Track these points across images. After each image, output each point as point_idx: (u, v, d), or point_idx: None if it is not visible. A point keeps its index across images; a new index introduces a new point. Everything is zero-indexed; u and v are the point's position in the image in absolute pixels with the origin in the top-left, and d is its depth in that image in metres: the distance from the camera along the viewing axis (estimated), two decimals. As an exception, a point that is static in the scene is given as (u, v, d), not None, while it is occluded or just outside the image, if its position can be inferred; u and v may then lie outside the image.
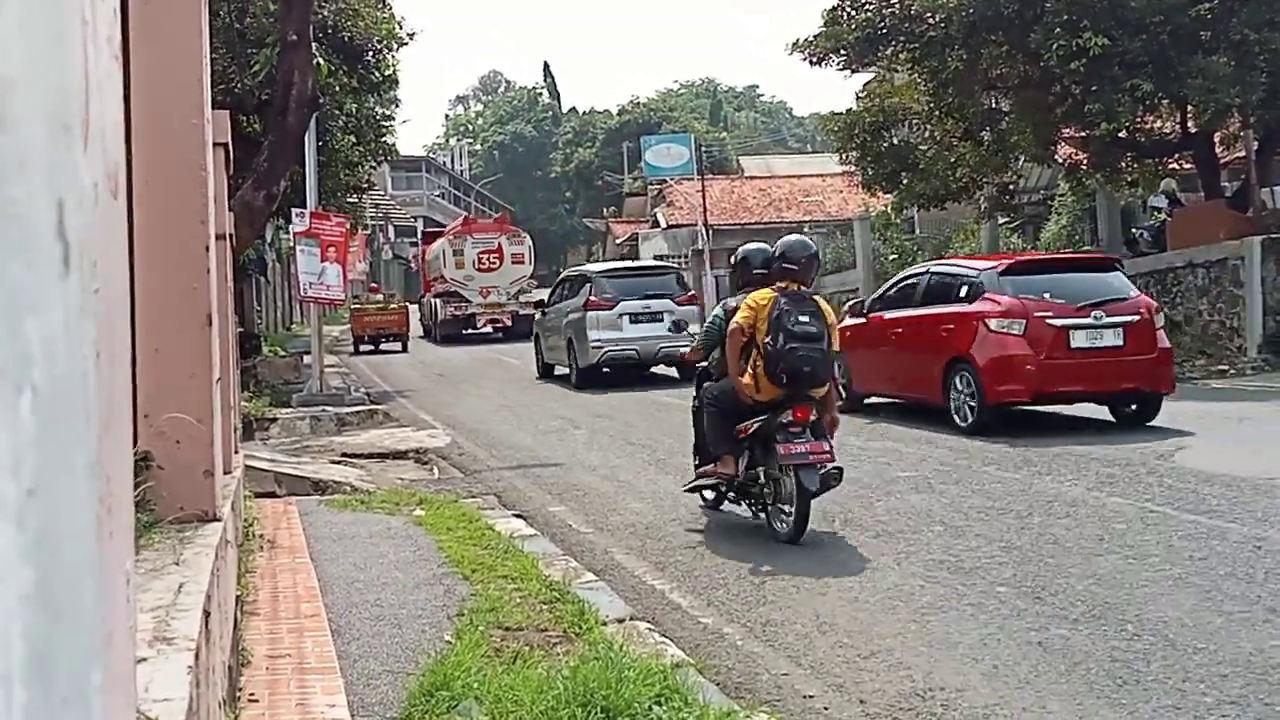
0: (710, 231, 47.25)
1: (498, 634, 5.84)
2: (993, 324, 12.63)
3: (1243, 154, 22.67)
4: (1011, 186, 26.39)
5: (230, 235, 8.10)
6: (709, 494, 9.51)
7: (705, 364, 9.55)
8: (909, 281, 14.92)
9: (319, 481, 11.36)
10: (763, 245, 9.55)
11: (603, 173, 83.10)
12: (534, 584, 6.81)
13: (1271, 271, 18.21)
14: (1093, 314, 12.44)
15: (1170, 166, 24.80)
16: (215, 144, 5.23)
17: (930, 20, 21.47)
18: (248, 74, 18.25)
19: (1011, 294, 12.76)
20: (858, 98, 28.04)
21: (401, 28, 22.43)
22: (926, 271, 14.88)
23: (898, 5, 21.98)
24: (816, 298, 8.65)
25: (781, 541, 8.21)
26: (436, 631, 6.00)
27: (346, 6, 21.02)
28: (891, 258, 33.28)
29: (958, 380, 13.02)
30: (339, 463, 12.99)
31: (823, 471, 8.14)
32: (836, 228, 38.25)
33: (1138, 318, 12.60)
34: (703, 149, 61.53)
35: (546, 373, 23.11)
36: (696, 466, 9.50)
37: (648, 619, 6.49)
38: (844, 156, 27.53)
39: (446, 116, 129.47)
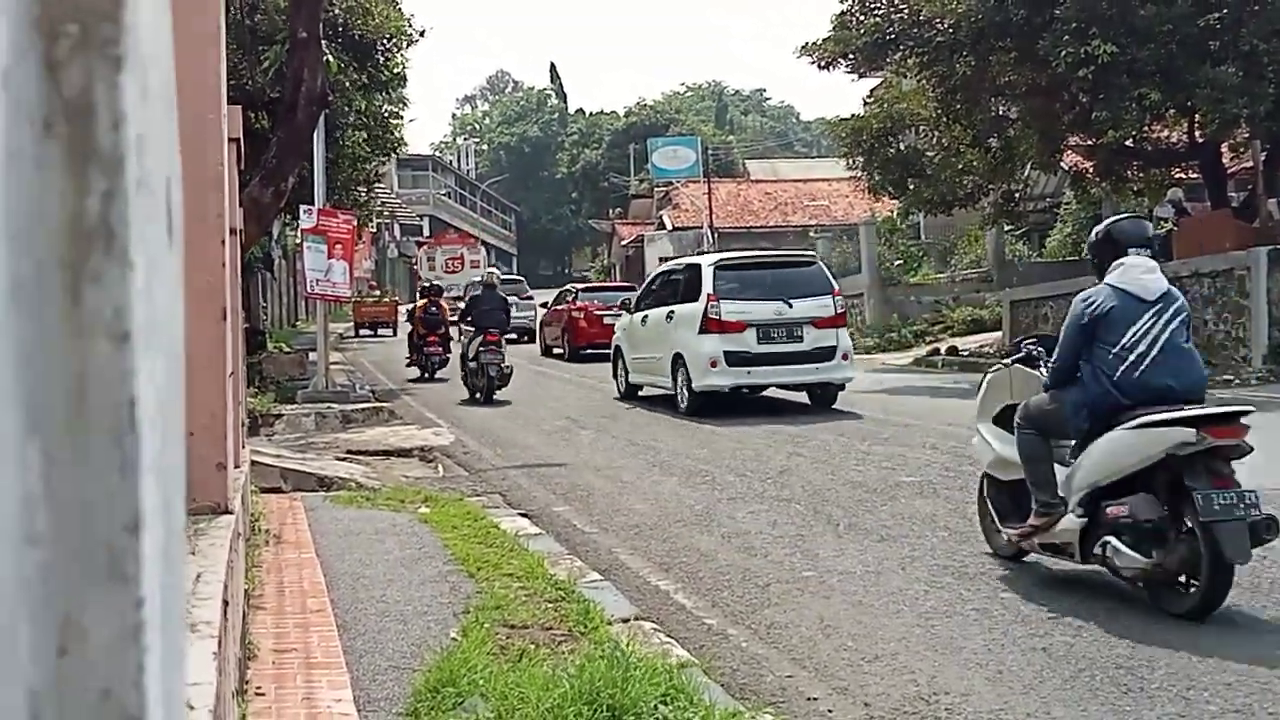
0: (716, 234, 47.28)
1: (503, 631, 5.85)
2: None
3: (1249, 164, 22.69)
4: (1017, 194, 26.42)
5: (240, 231, 8.13)
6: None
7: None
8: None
9: (324, 478, 11.38)
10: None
11: (609, 174, 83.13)
12: (539, 582, 6.82)
13: (1277, 282, 18.20)
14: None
15: (1176, 176, 24.83)
16: (229, 139, 5.25)
17: (939, 26, 21.49)
18: (258, 70, 18.30)
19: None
20: (865, 103, 28.06)
21: (411, 26, 22.47)
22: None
23: (906, 10, 21.99)
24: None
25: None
26: (442, 628, 6.01)
27: (357, 4, 21.06)
28: (897, 263, 33.34)
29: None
30: (344, 459, 13.01)
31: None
32: (842, 232, 38.28)
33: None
34: (709, 152, 61.62)
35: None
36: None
37: (653, 619, 6.50)
38: (851, 161, 27.57)
39: (453, 116, 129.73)
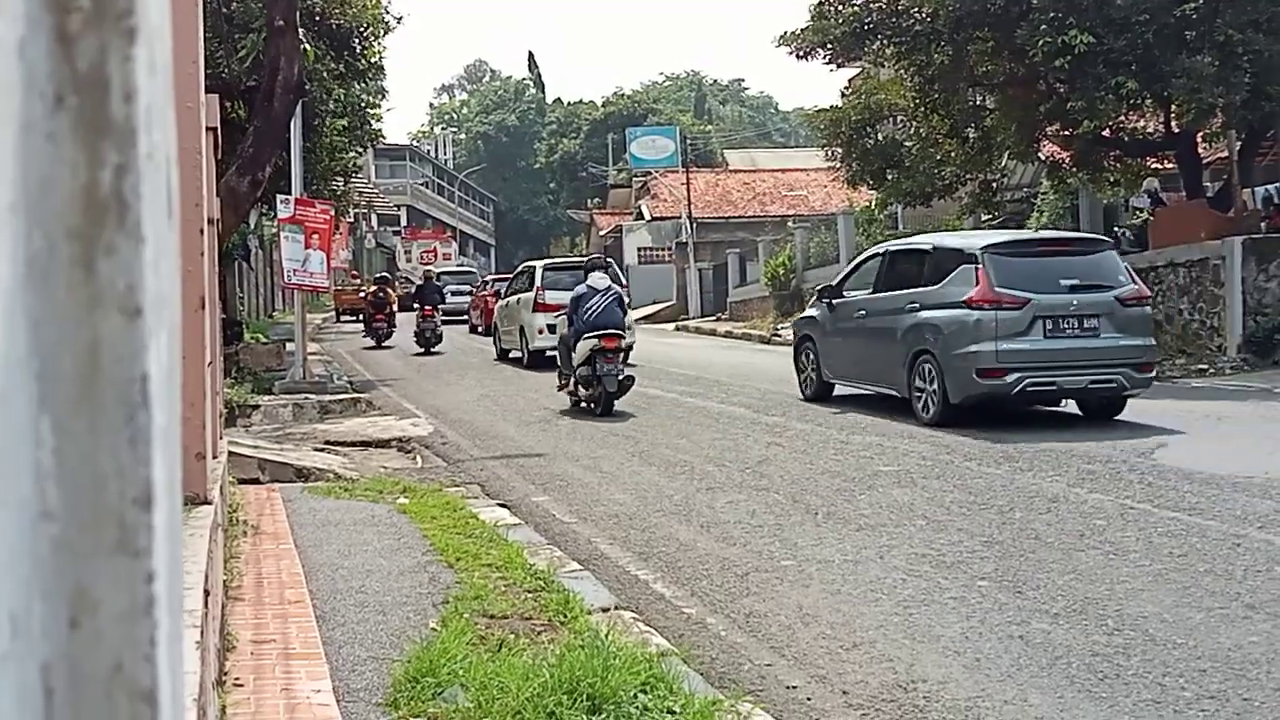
0: (695, 224, 47.27)
1: (483, 622, 5.86)
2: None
3: (1225, 154, 22.79)
4: (995, 184, 26.48)
5: (216, 221, 8.10)
6: None
7: None
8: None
9: (302, 469, 11.35)
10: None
11: (587, 164, 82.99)
12: (519, 572, 6.83)
13: (1252, 271, 18.33)
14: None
15: (1153, 166, 24.93)
16: (207, 128, 5.23)
17: (916, 15, 21.52)
18: (234, 59, 18.18)
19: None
20: (843, 93, 28.09)
21: (388, 13, 22.38)
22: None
23: (884, 0, 22.03)
24: None
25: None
26: (421, 619, 6.01)
27: (333, -8, 20.94)
28: (875, 253, 33.36)
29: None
30: (322, 450, 12.97)
31: None
32: (820, 223, 38.30)
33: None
34: (688, 142, 61.55)
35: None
36: None
37: (632, 608, 6.52)
38: (829, 152, 27.59)
39: (431, 105, 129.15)
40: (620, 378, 15.31)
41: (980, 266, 13.04)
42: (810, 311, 16.82)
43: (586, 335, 15.27)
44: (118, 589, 0.54)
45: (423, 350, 27.59)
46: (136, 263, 0.57)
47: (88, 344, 0.55)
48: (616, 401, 15.30)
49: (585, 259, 20.61)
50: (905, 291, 14.03)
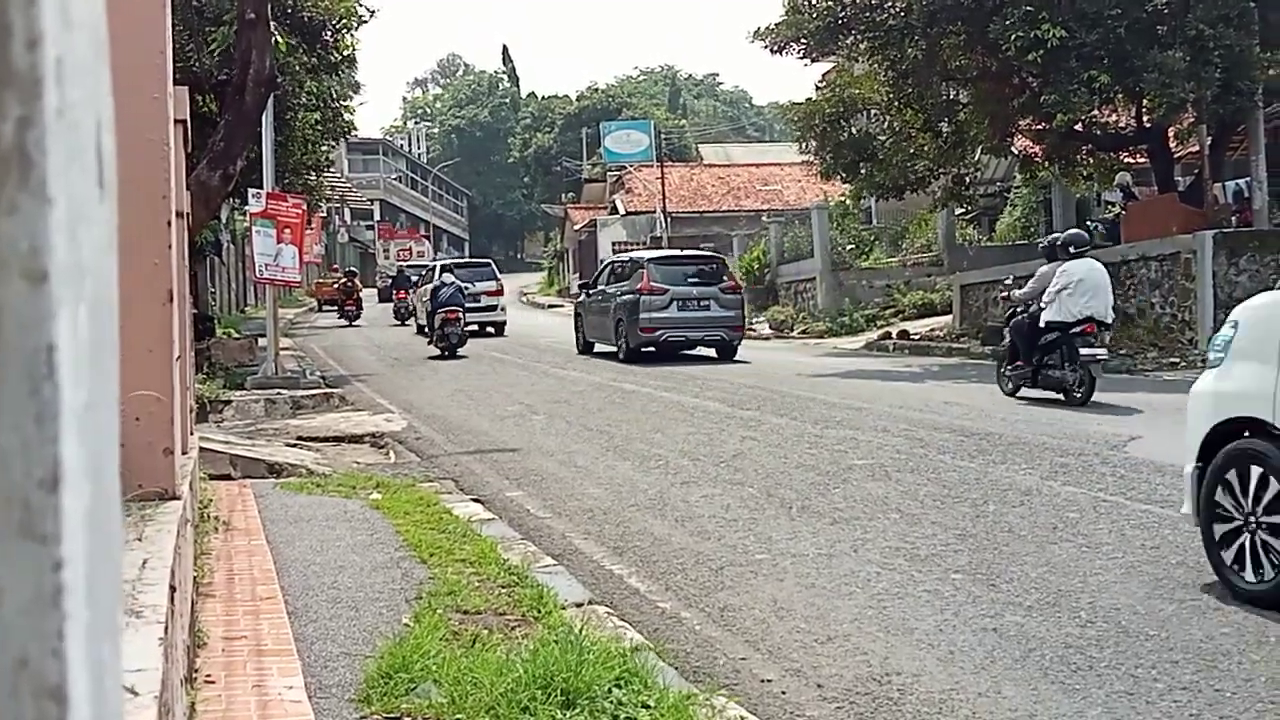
0: (669, 219, 47.26)
1: (456, 617, 5.83)
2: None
3: (1196, 149, 22.92)
4: (968, 178, 26.57)
5: (186, 215, 8.03)
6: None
7: None
8: None
9: (274, 464, 11.28)
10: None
11: (561, 158, 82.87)
12: (492, 568, 6.80)
13: (1222, 265, 18.43)
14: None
15: (1125, 160, 25.06)
16: (175, 121, 5.17)
17: (890, 9, 21.58)
18: (205, 52, 18.05)
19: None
20: (817, 87, 28.09)
21: (360, 5, 22.25)
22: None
23: (858, -6, 22.08)
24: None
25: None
26: (394, 615, 5.98)
27: (306, -15, 20.81)
28: (849, 247, 33.44)
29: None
30: (294, 446, 12.90)
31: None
32: (794, 217, 38.32)
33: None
34: (662, 136, 61.57)
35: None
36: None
37: (606, 603, 6.49)
38: (803, 146, 27.60)
39: (404, 99, 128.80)
40: (457, 336, 25.13)
41: (646, 270, 23.00)
42: (580, 298, 26.83)
43: (439, 311, 25.27)
44: (20, 577, 0.51)
45: (399, 322, 34.13)
46: (42, 224, 0.54)
47: None
48: (458, 349, 25.00)
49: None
50: (616, 285, 23.94)
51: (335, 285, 46.01)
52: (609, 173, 61.29)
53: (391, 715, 4.59)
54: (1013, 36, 18.83)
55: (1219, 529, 6.34)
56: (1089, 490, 8.94)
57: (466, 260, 38.60)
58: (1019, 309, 14.69)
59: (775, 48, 24.06)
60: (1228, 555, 6.28)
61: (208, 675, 4.91)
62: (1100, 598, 6.30)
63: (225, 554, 7.31)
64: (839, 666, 5.46)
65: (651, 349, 22.34)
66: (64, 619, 0.51)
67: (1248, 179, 22.18)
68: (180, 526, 3.53)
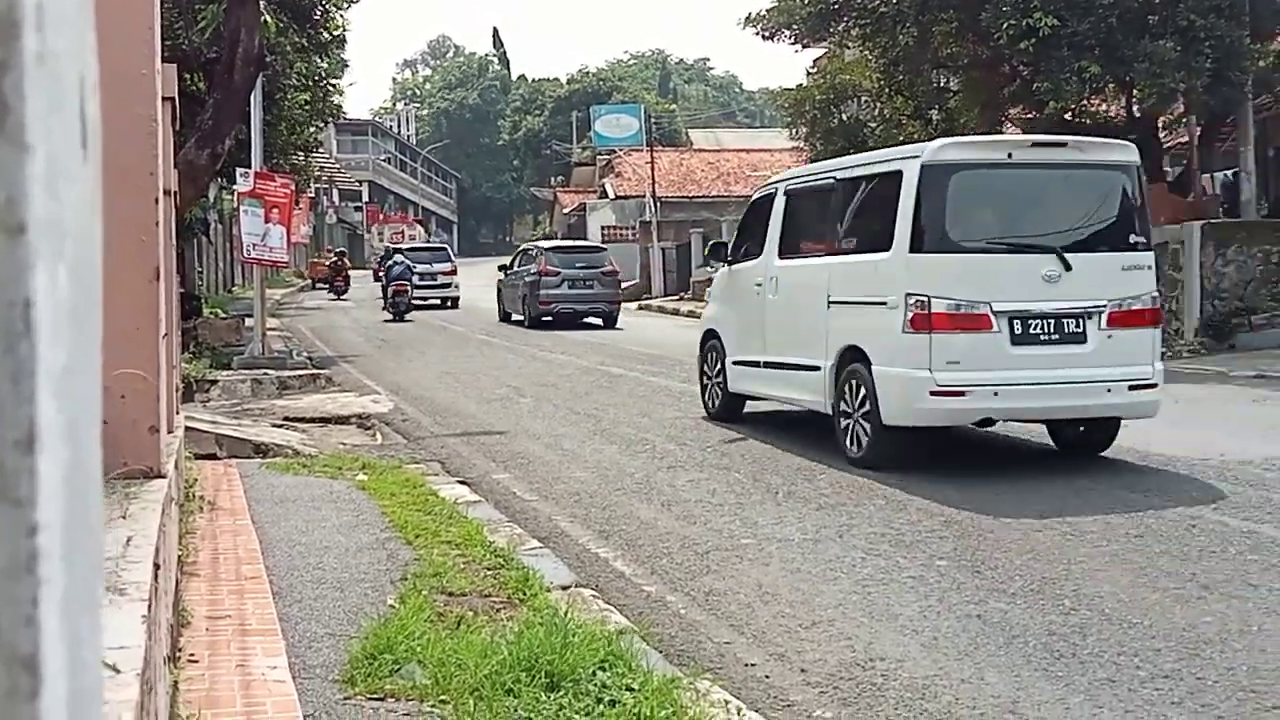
0: (659, 203, 47.19)
1: (441, 599, 5.82)
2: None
3: (1185, 139, 22.96)
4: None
5: (174, 193, 7.99)
6: None
7: None
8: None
9: (260, 444, 11.25)
10: None
11: (551, 142, 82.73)
12: (478, 550, 6.79)
13: (1210, 256, 18.48)
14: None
15: (1114, 150, 25.04)
16: (163, 98, 5.14)
17: (882, -3, 21.53)
18: (194, 30, 17.95)
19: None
20: (808, 73, 28.13)
21: (351, -15, 22.15)
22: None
23: (850, -19, 22.04)
24: None
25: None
26: (379, 596, 5.97)
27: (295, -36, 20.70)
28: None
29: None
30: (281, 426, 12.86)
31: None
32: (784, 203, 38.24)
33: None
34: (652, 120, 61.41)
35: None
36: None
37: (592, 586, 6.50)
38: (794, 132, 27.60)
39: (394, 81, 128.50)
40: (405, 304, 31.10)
41: (544, 256, 29.30)
42: (500, 277, 32.59)
43: (391, 284, 31.31)
44: None
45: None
46: (19, 174, 0.52)
47: None
48: (405, 315, 30.78)
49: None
50: (523, 268, 30.06)
51: (327, 264, 49.41)
52: (598, 156, 61.19)
53: (376, 696, 4.58)
54: (1004, 25, 18.82)
55: (843, 421, 9.96)
56: (1073, 479, 8.96)
57: (427, 245, 44.41)
58: None
59: (767, 34, 24.05)
60: (840, 435, 9.97)
61: (191, 654, 4.90)
62: (1084, 585, 6.32)
63: (210, 533, 7.30)
64: (823, 651, 5.47)
65: (549, 318, 28.41)
66: (39, 585, 0.50)
67: (1237, 170, 22.24)
68: (165, 505, 3.52)
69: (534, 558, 6.80)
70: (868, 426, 9.59)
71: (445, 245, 45.06)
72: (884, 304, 9.41)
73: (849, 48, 25.53)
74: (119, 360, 3.80)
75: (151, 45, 4.12)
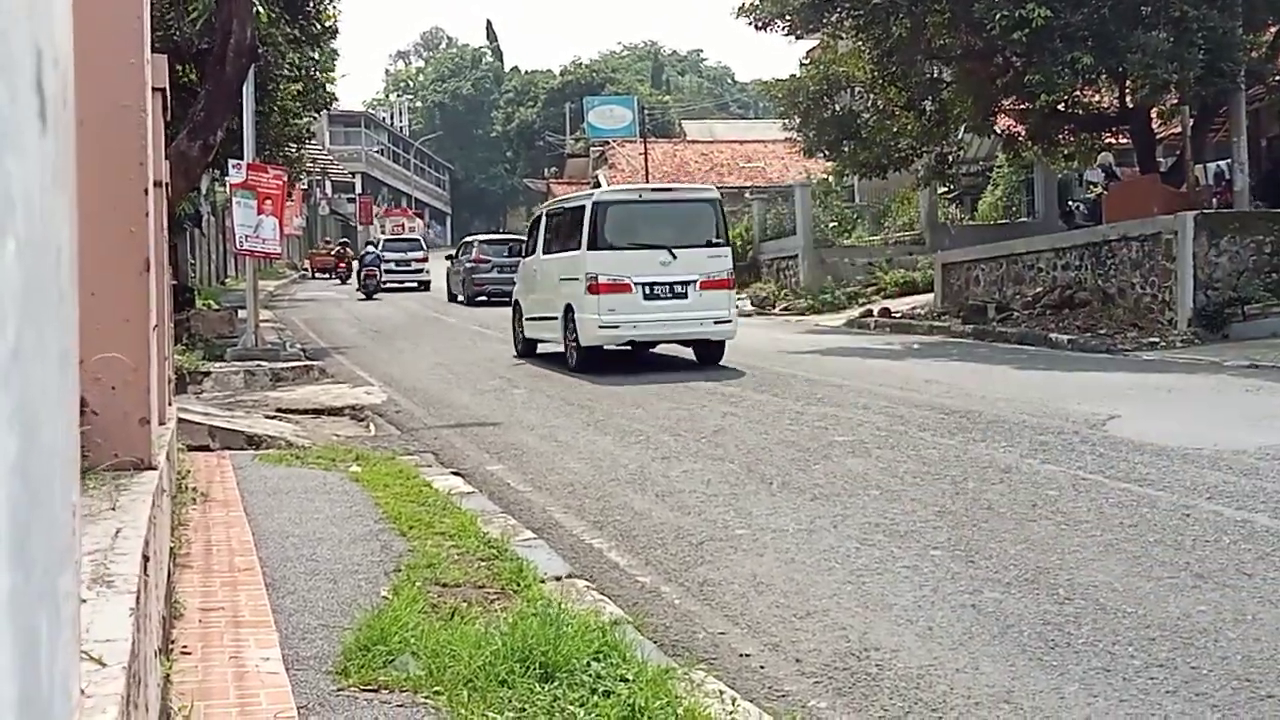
0: (652, 194, 47.06)
1: (435, 590, 5.81)
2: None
3: (1178, 130, 22.97)
4: (951, 156, 26.57)
5: (166, 185, 7.96)
6: None
7: None
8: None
9: (253, 436, 11.23)
10: None
11: (544, 133, 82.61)
12: (472, 541, 6.78)
13: (1203, 246, 18.47)
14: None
15: (1107, 140, 25.11)
16: (154, 88, 5.11)
17: (876, -13, 21.50)
18: (186, 21, 17.89)
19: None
20: (801, 65, 28.10)
21: (343, -22, 22.08)
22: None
23: (844, -29, 22.01)
24: None
25: None
26: (373, 587, 5.95)
27: (287, -45, 20.64)
28: (832, 225, 33.43)
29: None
30: (274, 418, 12.84)
31: None
32: (777, 194, 38.26)
33: None
34: (645, 112, 61.39)
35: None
36: None
37: (586, 577, 6.49)
38: (787, 123, 27.58)
39: (387, 72, 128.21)
40: (374, 285, 38.57)
41: (478, 246, 36.04)
42: (448, 265, 38.56)
43: (364, 269, 38.36)
44: None
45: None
46: None
47: None
48: (374, 295, 37.83)
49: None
50: (463, 257, 36.33)
51: (329, 254, 55.77)
52: (592, 148, 61.12)
53: (369, 687, 4.57)
54: (997, 16, 18.81)
55: (568, 347, 16.29)
56: (1068, 468, 8.97)
57: (403, 238, 51.47)
58: None
59: (759, 24, 24.02)
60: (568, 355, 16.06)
61: (184, 646, 4.88)
62: (1078, 575, 6.32)
63: (203, 525, 7.28)
64: (818, 641, 5.47)
65: (484, 299, 33.07)
66: None
67: (1229, 160, 22.25)
68: (156, 496, 3.50)
69: (528, 549, 6.80)
70: (575, 349, 16.33)
71: (419, 239, 51.94)
72: (578, 279, 16.15)
73: (842, 38, 25.50)
74: (109, 351, 3.77)
75: (140, 33, 4.09)
